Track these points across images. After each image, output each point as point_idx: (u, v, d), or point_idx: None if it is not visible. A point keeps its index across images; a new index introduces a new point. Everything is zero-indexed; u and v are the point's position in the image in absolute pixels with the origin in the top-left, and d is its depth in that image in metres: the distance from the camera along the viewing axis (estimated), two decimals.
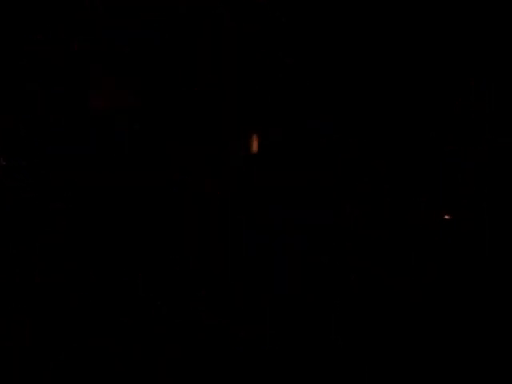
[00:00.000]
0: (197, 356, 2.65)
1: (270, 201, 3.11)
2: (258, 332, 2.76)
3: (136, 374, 2.57)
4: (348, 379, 2.59)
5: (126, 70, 3.21)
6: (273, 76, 3.19)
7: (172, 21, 3.16)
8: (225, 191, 3.13)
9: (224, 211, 3.11)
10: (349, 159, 3.15)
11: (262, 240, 3.05)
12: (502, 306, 2.84)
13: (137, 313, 2.85)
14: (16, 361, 2.59)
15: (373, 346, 2.72)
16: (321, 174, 3.14)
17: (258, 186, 3.14)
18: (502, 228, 2.99)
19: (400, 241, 3.04)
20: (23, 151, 3.14)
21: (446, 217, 3.00)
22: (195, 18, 3.16)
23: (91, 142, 3.17)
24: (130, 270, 3.01)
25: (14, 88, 3.17)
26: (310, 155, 3.17)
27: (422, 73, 3.12)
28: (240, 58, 3.18)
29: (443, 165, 3.09)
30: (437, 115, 3.12)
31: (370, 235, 3.05)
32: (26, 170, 3.13)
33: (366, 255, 3.02)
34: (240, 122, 3.20)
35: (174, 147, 3.18)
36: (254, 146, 3.17)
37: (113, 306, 2.88)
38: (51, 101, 3.17)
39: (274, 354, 2.67)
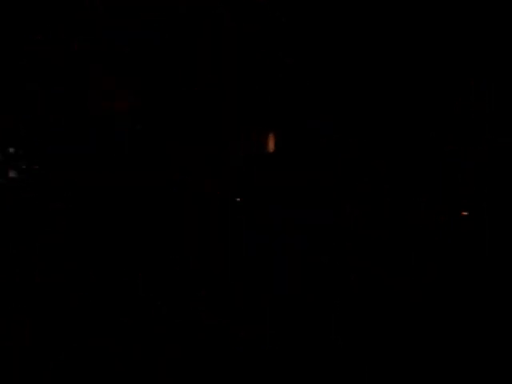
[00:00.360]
0: (197, 356, 2.65)
1: (270, 201, 3.11)
2: (258, 332, 2.76)
3: (136, 374, 2.57)
4: (348, 379, 2.59)
5: (126, 69, 3.21)
6: (273, 76, 3.18)
7: (172, 21, 3.16)
8: (225, 191, 3.13)
9: (224, 211, 3.11)
10: (349, 159, 3.15)
11: (262, 240, 3.06)
12: (501, 305, 2.84)
13: (137, 313, 2.85)
14: (16, 361, 2.59)
15: (373, 346, 2.72)
16: (321, 173, 3.14)
17: (258, 186, 3.14)
18: (502, 228, 2.99)
19: (400, 241, 3.04)
20: (23, 151, 3.14)
21: (465, 213, 3.00)
22: (195, 18, 3.16)
23: (91, 142, 3.17)
24: (130, 270, 3.01)
25: (14, 88, 3.17)
26: (310, 155, 3.17)
27: (422, 73, 3.13)
28: (240, 57, 3.18)
29: (443, 165, 3.10)
30: (437, 115, 3.12)
31: (370, 235, 3.05)
32: (26, 170, 3.13)
33: (366, 255, 3.02)
34: (240, 122, 3.20)
35: (174, 147, 3.18)
36: (271, 145, 3.17)
37: (113, 306, 2.88)
38: (51, 101, 3.18)
39: (274, 353, 2.66)
